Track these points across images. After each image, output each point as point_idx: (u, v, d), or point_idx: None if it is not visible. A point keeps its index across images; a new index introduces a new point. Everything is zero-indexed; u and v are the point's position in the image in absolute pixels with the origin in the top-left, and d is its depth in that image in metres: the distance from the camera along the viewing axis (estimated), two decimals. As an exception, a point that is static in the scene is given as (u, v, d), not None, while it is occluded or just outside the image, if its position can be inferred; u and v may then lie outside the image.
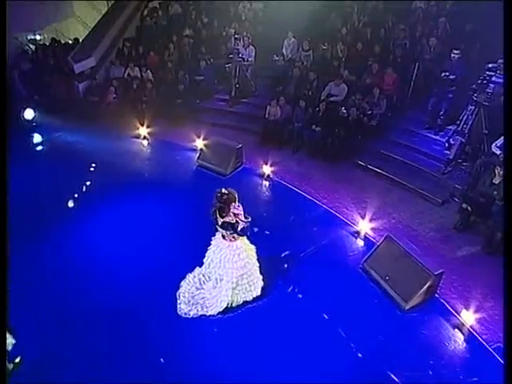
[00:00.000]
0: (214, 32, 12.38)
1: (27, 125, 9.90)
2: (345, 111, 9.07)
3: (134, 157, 9.13)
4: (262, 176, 8.20)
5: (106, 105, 10.86)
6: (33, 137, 9.81)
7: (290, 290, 5.57)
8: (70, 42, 12.73)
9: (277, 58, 10.83)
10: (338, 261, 6.08)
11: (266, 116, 9.80)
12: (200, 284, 5.38)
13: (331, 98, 9.50)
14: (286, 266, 5.94)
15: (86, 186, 7.83)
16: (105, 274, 5.68)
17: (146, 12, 13.02)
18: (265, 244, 5.67)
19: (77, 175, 8.02)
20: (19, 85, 10.83)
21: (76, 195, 7.50)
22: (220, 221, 4.87)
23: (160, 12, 12.97)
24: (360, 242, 6.52)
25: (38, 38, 12.50)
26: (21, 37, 11.87)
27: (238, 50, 10.62)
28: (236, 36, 10.69)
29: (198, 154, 8.67)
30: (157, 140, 9.60)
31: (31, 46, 12.13)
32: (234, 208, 4.83)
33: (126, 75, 11.29)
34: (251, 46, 11.01)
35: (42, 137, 9.83)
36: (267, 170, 8.13)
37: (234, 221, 4.83)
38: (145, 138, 9.70)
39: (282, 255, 6.09)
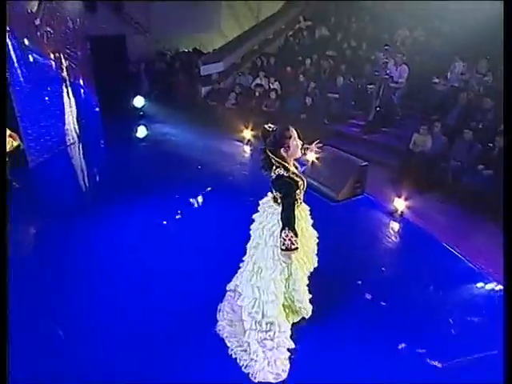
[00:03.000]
0: (360, 54, 10.58)
1: (135, 112, 9.21)
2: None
3: (229, 159, 7.51)
4: (390, 213, 5.59)
5: (223, 110, 9.73)
6: (138, 124, 9.23)
7: None
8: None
9: (437, 81, 8.35)
10: None
11: (411, 146, 7.29)
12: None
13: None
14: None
15: (167, 181, 6.37)
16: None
17: (291, 32, 12.26)
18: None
19: (166, 169, 6.91)
20: (143, 76, 10.43)
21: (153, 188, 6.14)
22: (273, 174, 3.01)
23: (305, 33, 11.97)
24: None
25: (178, 46, 12.26)
26: (163, 41, 11.68)
27: (386, 66, 8.51)
28: (386, 47, 8.66)
29: (304, 168, 6.53)
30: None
31: (170, 51, 11.89)
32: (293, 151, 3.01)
33: (253, 85, 10.09)
34: (404, 66, 8.81)
35: (146, 127, 9.03)
36: (400, 205, 5.51)
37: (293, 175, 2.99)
38: (249, 141, 8.12)
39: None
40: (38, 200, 5.98)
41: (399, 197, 5.56)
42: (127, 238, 4.82)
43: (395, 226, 5.37)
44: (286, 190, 2.96)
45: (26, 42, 7.22)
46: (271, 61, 11.09)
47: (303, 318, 3.54)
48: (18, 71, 7.02)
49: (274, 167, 3.02)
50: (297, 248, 2.94)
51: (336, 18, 12.34)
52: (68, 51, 8.37)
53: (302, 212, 3.22)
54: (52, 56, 7.87)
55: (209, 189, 5.99)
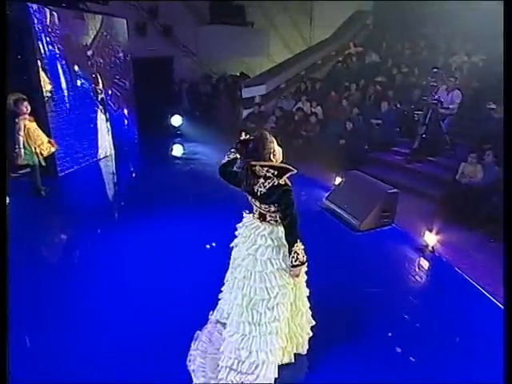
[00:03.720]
0: (410, 80, 9.96)
1: (172, 131, 9.29)
2: None
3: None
4: (420, 249, 4.89)
5: (252, 129, 9.52)
6: (174, 143, 9.40)
7: None
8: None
9: (493, 107, 7.51)
10: None
11: (457, 177, 6.52)
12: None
13: None
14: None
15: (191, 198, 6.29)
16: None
17: (340, 58, 11.99)
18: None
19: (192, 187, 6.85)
20: (184, 97, 10.60)
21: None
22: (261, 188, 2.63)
23: (354, 59, 11.62)
24: None
25: (226, 70, 12.44)
26: (210, 64, 11.90)
27: (436, 90, 7.85)
28: (435, 70, 8.02)
29: (328, 193, 6.02)
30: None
31: (216, 74, 12.08)
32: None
33: (294, 109, 9.83)
34: (457, 91, 8.07)
35: (182, 146, 9.04)
36: (431, 239, 4.79)
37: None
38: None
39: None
40: (66, 209, 6.06)
41: (432, 231, 4.86)
42: (149, 253, 4.64)
43: (424, 263, 4.67)
44: (287, 200, 2.61)
45: (76, 68, 7.70)
46: (316, 85, 10.82)
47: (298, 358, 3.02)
48: (65, 92, 7.42)
49: (262, 179, 2.64)
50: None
51: (388, 44, 11.91)
52: (116, 80, 8.81)
53: None
54: (99, 83, 8.28)
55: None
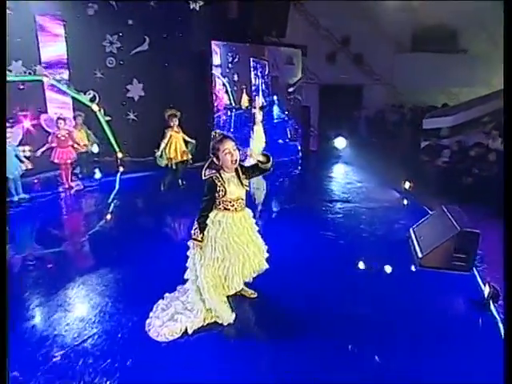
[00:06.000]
0: None
1: (334, 153, 9.62)
2: None
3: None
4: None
5: (432, 167, 8.70)
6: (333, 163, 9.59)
7: None
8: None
9: None
10: None
11: None
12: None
13: None
14: None
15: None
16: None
17: None
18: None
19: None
20: (363, 123, 10.66)
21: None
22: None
23: None
24: None
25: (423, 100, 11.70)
26: (406, 93, 11.51)
27: None
28: None
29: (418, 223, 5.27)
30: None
31: (406, 104, 11.58)
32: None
33: (472, 143, 8.54)
34: None
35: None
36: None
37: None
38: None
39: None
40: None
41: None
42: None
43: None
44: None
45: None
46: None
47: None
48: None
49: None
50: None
51: None
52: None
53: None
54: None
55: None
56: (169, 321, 3.24)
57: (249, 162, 3.29)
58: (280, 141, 10.08)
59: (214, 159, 3.16)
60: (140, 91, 9.27)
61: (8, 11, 7.60)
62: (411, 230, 5.12)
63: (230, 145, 3.12)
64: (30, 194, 6.77)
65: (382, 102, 11.22)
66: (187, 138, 7.21)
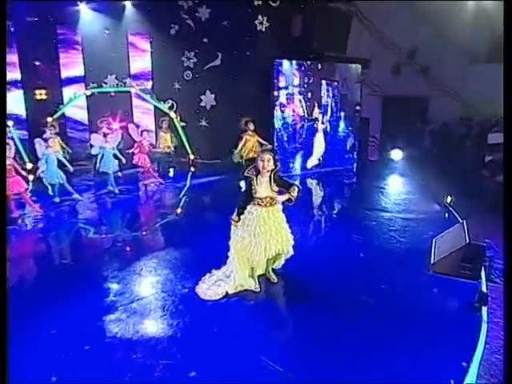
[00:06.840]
0: None
1: (390, 164, 9.81)
2: None
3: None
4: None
5: (491, 182, 8.54)
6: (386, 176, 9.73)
7: None
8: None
9: None
10: None
11: None
12: None
13: None
14: None
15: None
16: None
17: None
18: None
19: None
20: (427, 136, 10.56)
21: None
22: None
23: None
24: None
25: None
26: (475, 106, 11.10)
27: None
28: None
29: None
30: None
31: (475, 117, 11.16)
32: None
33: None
34: None
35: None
36: None
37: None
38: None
39: None
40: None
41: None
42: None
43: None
44: None
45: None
46: None
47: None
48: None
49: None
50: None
51: None
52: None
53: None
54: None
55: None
56: (213, 285, 4.32)
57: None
58: (339, 150, 10.51)
59: (256, 164, 4.09)
60: (212, 101, 10.52)
61: (106, 31, 9.28)
62: (434, 240, 5.40)
63: (266, 156, 4.05)
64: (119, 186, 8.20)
65: (449, 114, 10.94)
66: (261, 141, 8.61)
